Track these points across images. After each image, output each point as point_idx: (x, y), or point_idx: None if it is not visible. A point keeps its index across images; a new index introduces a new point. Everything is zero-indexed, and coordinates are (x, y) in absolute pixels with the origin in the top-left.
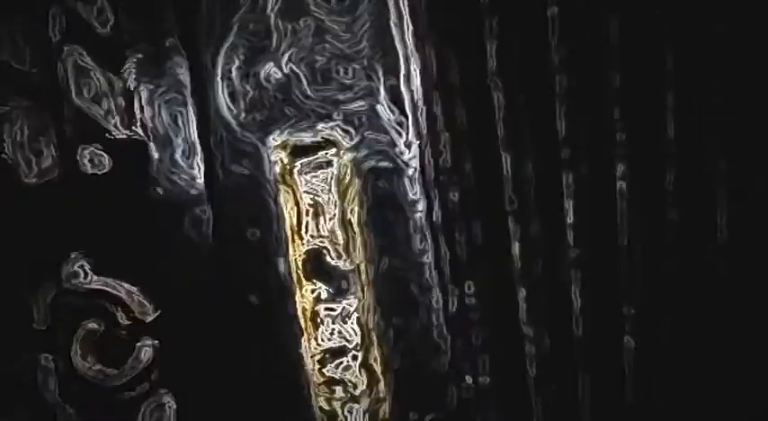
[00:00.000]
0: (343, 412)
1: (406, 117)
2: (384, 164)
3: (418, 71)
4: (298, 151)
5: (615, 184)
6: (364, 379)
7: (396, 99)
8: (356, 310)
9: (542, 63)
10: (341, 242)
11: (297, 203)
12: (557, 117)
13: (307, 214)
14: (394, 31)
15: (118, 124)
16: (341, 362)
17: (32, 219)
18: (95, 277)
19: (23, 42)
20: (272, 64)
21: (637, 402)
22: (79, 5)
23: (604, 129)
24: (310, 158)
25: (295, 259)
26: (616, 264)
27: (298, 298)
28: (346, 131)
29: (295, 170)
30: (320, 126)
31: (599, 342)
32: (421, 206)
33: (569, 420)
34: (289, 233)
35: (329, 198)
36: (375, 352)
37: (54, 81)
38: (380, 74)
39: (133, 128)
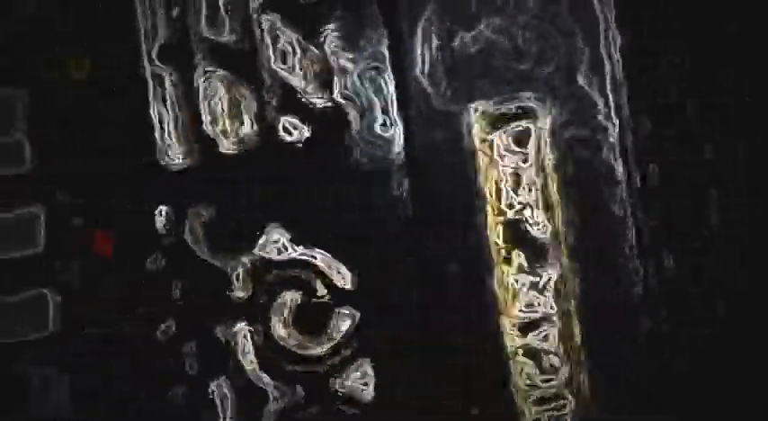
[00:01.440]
0: (540, 380)
1: (606, 86)
2: (583, 133)
3: (619, 39)
4: (496, 120)
5: None
6: (562, 348)
7: (595, 68)
8: (555, 280)
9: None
10: (540, 211)
11: (496, 172)
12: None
13: (506, 183)
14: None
15: (317, 94)
16: (539, 332)
17: (231, 188)
18: (294, 247)
19: (223, 12)
20: (470, 34)
21: None
22: None
23: None
24: (509, 127)
25: (494, 228)
26: None
27: (497, 267)
28: (545, 100)
29: (493, 139)
30: (519, 95)
31: None
32: (620, 175)
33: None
34: (488, 202)
35: (528, 167)
36: (573, 321)
37: (253, 50)
38: (580, 43)
39: (332, 97)
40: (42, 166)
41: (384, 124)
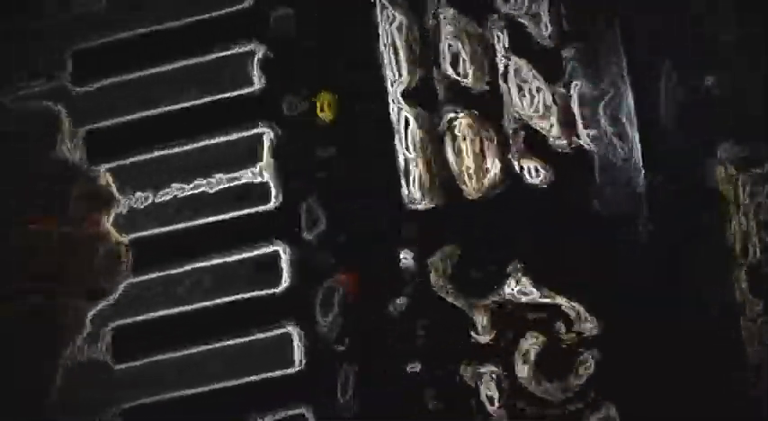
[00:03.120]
0: None
1: None
2: None
3: None
4: (743, 163)
5: None
6: None
7: None
8: None
9: None
10: None
11: (740, 216)
12: None
13: (751, 227)
14: None
15: (561, 136)
16: None
17: (475, 230)
18: (537, 290)
19: (467, 55)
20: (714, 75)
21: None
22: (523, 18)
23: None
24: (756, 170)
25: (739, 273)
26: None
27: (742, 313)
28: None
29: (740, 182)
30: (765, 137)
31: None
32: None
33: None
34: (733, 246)
35: None
36: None
37: (497, 93)
38: None
39: (576, 139)
40: (286, 204)
41: (628, 166)
